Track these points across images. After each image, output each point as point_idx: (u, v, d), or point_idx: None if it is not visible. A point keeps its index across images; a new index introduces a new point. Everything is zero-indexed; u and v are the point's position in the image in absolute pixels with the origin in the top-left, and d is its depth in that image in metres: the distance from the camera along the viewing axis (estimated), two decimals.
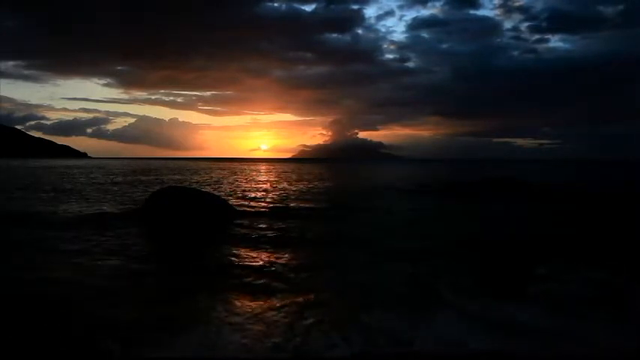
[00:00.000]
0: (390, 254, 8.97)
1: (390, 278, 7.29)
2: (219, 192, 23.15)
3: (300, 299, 6.14)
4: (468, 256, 9.01)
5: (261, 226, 12.53)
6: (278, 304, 5.93)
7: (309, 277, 7.37)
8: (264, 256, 8.87)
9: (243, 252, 9.17)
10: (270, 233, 11.43)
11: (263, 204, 18.48)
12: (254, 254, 8.98)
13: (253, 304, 5.95)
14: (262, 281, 7.06)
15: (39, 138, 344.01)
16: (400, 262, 8.33)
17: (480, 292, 6.45)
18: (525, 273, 7.56)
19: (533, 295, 6.41)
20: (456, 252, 9.33)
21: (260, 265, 8.19)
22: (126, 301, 6.10)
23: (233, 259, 8.62)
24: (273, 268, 7.88)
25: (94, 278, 7.18)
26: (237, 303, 6.01)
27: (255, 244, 9.97)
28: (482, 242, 10.30)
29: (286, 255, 8.91)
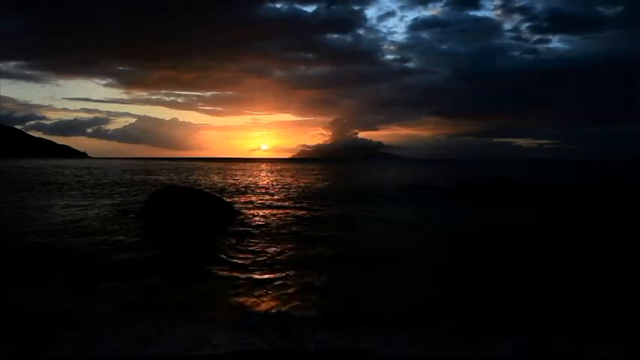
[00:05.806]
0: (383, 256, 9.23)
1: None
2: (219, 191, 23.28)
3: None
4: None
5: (259, 225, 12.67)
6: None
7: (300, 274, 7.56)
8: (259, 256, 8.99)
9: (237, 250, 9.31)
10: (268, 232, 11.57)
11: (262, 204, 18.63)
12: (250, 253, 9.11)
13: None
14: (254, 279, 7.24)
15: (39, 138, 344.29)
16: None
17: None
18: None
19: None
20: None
21: (254, 263, 8.35)
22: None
23: (227, 254, 8.78)
24: (270, 268, 8.05)
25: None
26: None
27: (252, 243, 10.10)
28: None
29: (285, 253, 9.06)
